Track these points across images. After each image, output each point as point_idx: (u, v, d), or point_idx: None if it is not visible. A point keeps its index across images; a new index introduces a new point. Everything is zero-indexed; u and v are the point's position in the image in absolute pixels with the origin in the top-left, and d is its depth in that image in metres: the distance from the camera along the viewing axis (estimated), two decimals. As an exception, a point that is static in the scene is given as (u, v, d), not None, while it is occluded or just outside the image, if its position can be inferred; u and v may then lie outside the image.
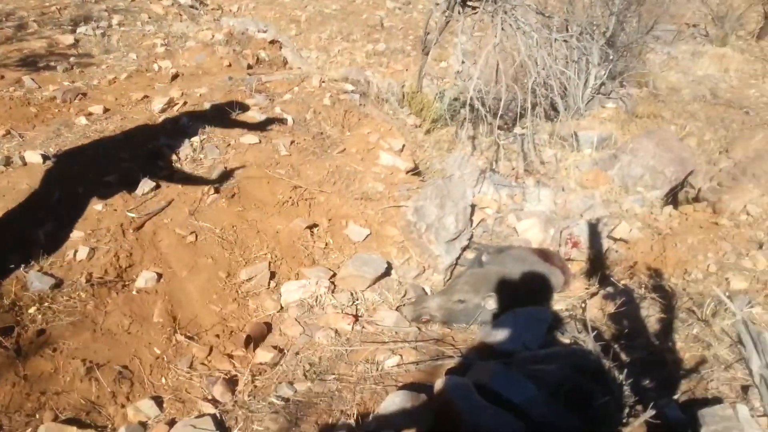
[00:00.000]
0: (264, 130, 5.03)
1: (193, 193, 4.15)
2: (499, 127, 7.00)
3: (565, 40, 6.54)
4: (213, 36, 6.97)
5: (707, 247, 4.05)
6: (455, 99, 6.59)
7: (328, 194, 4.57)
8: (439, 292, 3.79)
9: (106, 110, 5.05)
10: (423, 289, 4.20)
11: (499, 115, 5.68)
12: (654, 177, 5.46)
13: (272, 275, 3.92)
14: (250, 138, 4.88)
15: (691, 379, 3.00)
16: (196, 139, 4.76)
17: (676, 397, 2.80)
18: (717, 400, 2.74)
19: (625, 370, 2.88)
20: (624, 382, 2.84)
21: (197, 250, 3.77)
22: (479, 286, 3.75)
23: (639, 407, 2.71)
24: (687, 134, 6.92)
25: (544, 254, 4.23)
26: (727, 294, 3.51)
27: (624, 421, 2.64)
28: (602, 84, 7.70)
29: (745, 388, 2.85)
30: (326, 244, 4.35)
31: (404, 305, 3.71)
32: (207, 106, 5.23)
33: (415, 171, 5.22)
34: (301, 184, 4.51)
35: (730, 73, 10.02)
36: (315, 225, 4.37)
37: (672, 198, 5.35)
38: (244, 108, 5.36)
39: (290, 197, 4.41)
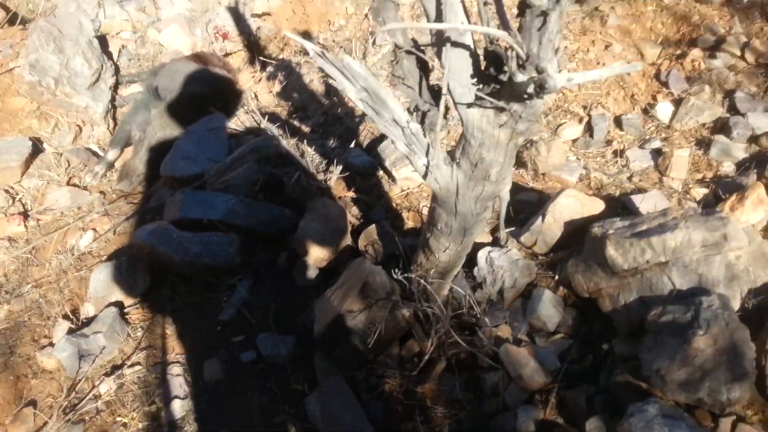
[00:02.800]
0: None
1: None
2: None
3: None
4: None
5: (342, -9, 4.07)
6: None
7: None
8: (139, 150, 3.37)
9: None
10: (89, 149, 3.66)
11: None
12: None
13: None
14: None
15: (366, 122, 3.16)
16: None
17: (353, 145, 2.92)
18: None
19: (306, 141, 2.92)
20: (310, 153, 2.89)
21: None
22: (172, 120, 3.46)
23: (331, 168, 2.82)
24: None
25: (199, 58, 3.86)
26: (370, 30, 3.64)
27: (322, 186, 2.73)
28: None
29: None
30: (-57, 154, 3.46)
31: (116, 185, 3.29)
32: None
33: (11, 19, 4.17)
34: None
35: None
36: None
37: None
38: None
39: None
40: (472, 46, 1.17)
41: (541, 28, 1.02)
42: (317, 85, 3.46)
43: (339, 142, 3.05)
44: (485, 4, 1.08)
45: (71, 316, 2.55)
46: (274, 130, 2.96)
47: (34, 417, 2.21)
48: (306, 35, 3.82)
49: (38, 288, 2.77)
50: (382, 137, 2.97)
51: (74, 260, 2.87)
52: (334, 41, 3.69)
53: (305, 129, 3.21)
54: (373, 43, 3.42)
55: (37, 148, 3.52)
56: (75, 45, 3.77)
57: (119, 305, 2.51)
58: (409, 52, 1.28)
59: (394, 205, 2.72)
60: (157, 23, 4.56)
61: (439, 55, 1.19)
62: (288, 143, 2.87)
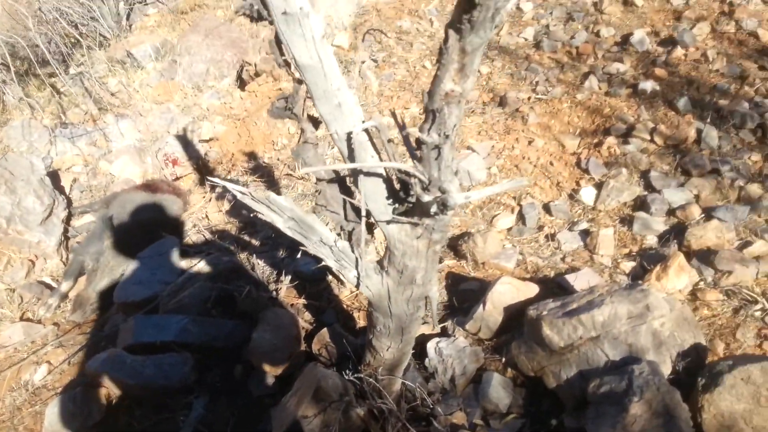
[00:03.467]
0: None
1: None
2: (51, 75, 6.20)
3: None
4: None
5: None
6: (-26, 64, 5.48)
7: None
8: (92, 280, 3.41)
9: None
10: (42, 283, 3.69)
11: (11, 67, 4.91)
12: (218, 67, 5.53)
13: None
14: None
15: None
16: None
17: (299, 255, 3.07)
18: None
19: (255, 254, 3.05)
20: (261, 265, 3.02)
21: None
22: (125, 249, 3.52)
23: (282, 278, 2.94)
24: (235, 13, 7.08)
25: (149, 187, 4.03)
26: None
27: (272, 296, 2.84)
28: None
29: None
30: None
31: (69, 316, 3.30)
32: None
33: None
34: None
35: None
36: None
37: (240, 81, 5.54)
38: None
39: None
40: (384, 174, 1.37)
41: (437, 157, 1.22)
42: (264, 201, 3.65)
43: (288, 252, 3.19)
44: (389, 141, 1.28)
45: (24, 458, 2.52)
46: (224, 246, 3.10)
47: None
48: (252, 156, 4.06)
49: (-8, 431, 2.73)
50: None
51: (28, 396, 2.85)
52: (278, 159, 3.93)
53: (255, 243, 3.35)
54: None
55: (-12, 287, 3.54)
56: (27, 185, 3.90)
57: (75, 437, 2.50)
58: (330, 181, 1.47)
59: (344, 306, 2.84)
60: (108, 155, 4.76)
61: (356, 183, 1.38)
62: (238, 258, 3.00)
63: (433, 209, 1.27)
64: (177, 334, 2.63)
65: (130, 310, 3.05)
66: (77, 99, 5.83)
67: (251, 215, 1.25)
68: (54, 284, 3.69)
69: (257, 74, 4.92)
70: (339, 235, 1.50)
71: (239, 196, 1.31)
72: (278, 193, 3.54)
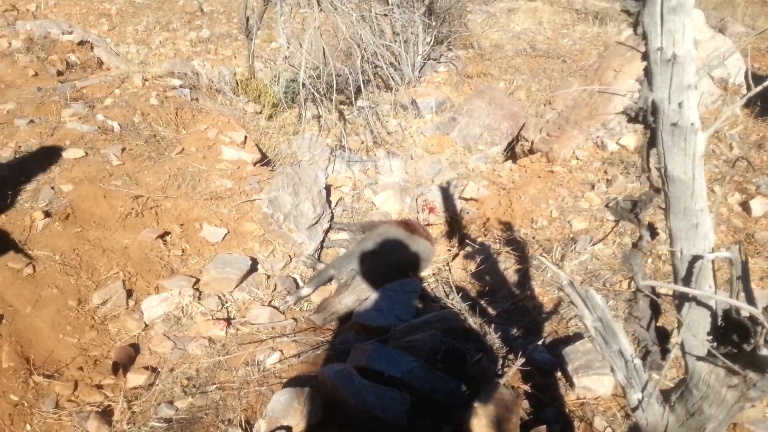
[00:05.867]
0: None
1: (20, 220, 3.72)
2: (341, 102, 7.03)
3: (385, 14, 6.68)
4: (9, 44, 6.22)
5: (547, 195, 4.39)
6: (292, 80, 6.47)
7: (175, 199, 4.32)
8: (341, 293, 3.77)
9: None
10: (294, 279, 4.15)
11: (334, 92, 5.66)
12: (492, 134, 5.80)
13: (129, 294, 3.67)
14: (74, 152, 4.44)
15: (552, 320, 3.26)
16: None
17: (540, 342, 3.02)
18: (578, 336, 3.01)
19: (493, 324, 3.07)
20: (493, 336, 3.03)
21: (38, 282, 3.41)
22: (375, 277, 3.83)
23: (511, 356, 2.91)
24: (516, 88, 7.41)
25: (408, 226, 4.32)
26: (571, 236, 3.85)
27: (499, 372, 2.82)
28: (431, 49, 7.99)
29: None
30: (183, 251, 4.13)
31: (311, 314, 3.69)
32: (17, 123, 4.68)
33: (263, 161, 5.09)
34: (142, 193, 4.22)
35: (544, 25, 10.85)
36: (167, 233, 4.13)
37: (510, 152, 5.73)
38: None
39: (133, 208, 4.11)
40: (714, 307, 1.29)
41: (793, 314, 1.11)
42: (511, 274, 3.67)
43: (522, 332, 3.16)
44: (738, 278, 1.21)
45: (245, 426, 2.79)
46: (462, 304, 3.17)
47: None
48: (507, 226, 4.13)
49: (221, 390, 3.07)
50: (567, 339, 3.03)
51: (259, 375, 3.17)
52: (534, 238, 3.94)
53: (491, 311, 3.38)
54: (572, 250, 3.60)
55: (253, 267, 4.07)
56: (308, 192, 4.45)
57: (288, 430, 2.71)
58: (646, 296, 1.43)
59: (567, 410, 2.70)
60: (374, 186, 5.25)
61: (679, 307, 1.32)
62: (474, 321, 3.05)
63: (772, 367, 1.16)
64: (404, 373, 2.74)
65: (363, 332, 3.27)
66: (358, 129, 6.53)
67: (568, 303, 1.27)
68: (301, 283, 4.12)
69: (531, 151, 5.04)
70: (636, 351, 1.45)
71: (564, 284, 1.33)
72: (526, 271, 3.55)
